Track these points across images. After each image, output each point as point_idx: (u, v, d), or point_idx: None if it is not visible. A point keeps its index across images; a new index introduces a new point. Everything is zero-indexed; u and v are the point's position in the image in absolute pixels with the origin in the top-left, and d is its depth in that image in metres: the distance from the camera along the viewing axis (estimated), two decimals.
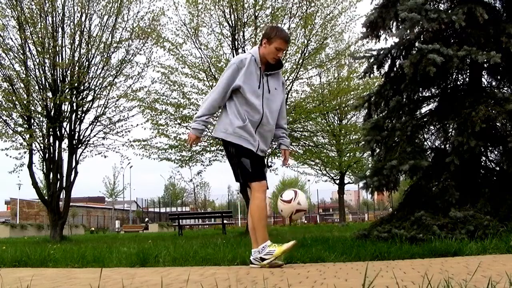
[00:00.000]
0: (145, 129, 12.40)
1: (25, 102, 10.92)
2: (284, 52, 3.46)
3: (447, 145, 5.61)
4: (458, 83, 5.95)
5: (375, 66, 5.87)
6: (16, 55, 11.19)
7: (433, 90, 5.99)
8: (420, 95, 5.95)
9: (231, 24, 11.61)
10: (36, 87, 11.26)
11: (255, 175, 3.34)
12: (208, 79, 12.05)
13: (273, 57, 3.40)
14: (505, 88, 5.76)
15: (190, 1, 11.71)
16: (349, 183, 22.92)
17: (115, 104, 12.17)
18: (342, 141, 19.07)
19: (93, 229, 35.57)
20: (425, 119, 5.77)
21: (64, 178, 11.68)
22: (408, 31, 5.45)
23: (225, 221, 16.28)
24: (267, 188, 3.40)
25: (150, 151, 12.61)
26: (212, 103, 3.39)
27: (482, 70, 5.68)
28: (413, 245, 4.07)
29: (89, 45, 11.48)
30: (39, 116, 11.45)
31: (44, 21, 11.12)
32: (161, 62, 12.35)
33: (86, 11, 11.51)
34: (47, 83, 11.38)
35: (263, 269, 3.22)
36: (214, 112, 3.45)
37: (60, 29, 11.38)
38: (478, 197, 4.93)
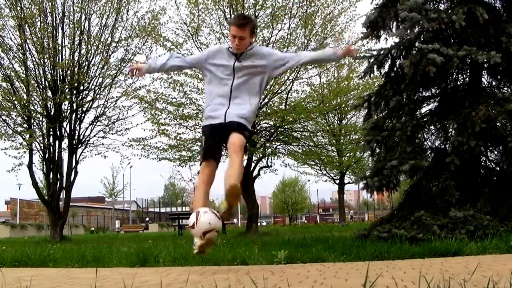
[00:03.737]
0: (144, 130, 12.40)
1: (24, 102, 10.92)
2: (243, 39, 3.33)
3: (447, 145, 5.61)
4: (458, 83, 5.95)
5: (375, 66, 5.87)
6: (16, 55, 11.19)
7: (433, 90, 5.99)
8: (420, 95, 5.96)
9: None
10: (36, 87, 11.26)
11: (203, 155, 3.43)
12: None
13: (233, 45, 3.38)
14: (505, 88, 5.77)
15: (191, 1, 11.70)
16: (349, 183, 22.94)
17: (115, 103, 12.18)
18: (342, 141, 19.06)
19: (93, 229, 35.58)
20: (425, 119, 5.77)
21: (64, 178, 11.68)
22: (408, 31, 5.45)
23: (225, 221, 16.27)
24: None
25: (149, 151, 12.59)
26: None
27: (482, 70, 5.68)
28: (413, 245, 4.07)
29: (89, 45, 11.48)
30: (39, 116, 11.45)
31: (43, 21, 11.11)
32: None
33: (86, 10, 11.51)
34: (47, 83, 11.37)
35: (263, 269, 3.22)
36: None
37: (59, 29, 11.38)
38: (478, 197, 4.93)
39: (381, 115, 5.93)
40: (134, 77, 3.46)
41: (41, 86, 11.34)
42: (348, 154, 20.15)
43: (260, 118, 11.75)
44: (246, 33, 3.32)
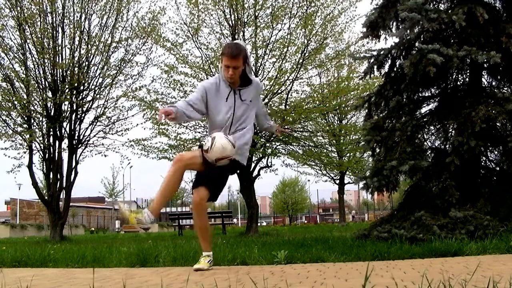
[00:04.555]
0: (144, 129, 12.40)
1: (24, 102, 10.92)
2: (237, 69, 3.30)
3: (447, 145, 5.62)
4: (458, 83, 5.95)
5: (375, 66, 5.87)
6: (16, 55, 11.20)
7: (433, 90, 5.99)
8: (420, 95, 5.96)
9: (231, 24, 11.61)
10: (36, 87, 11.26)
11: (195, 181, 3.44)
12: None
13: (226, 75, 3.33)
14: (505, 88, 5.77)
15: (191, 1, 11.71)
16: (349, 183, 22.95)
17: (115, 103, 12.18)
18: (342, 141, 19.07)
19: (93, 229, 35.55)
20: (425, 119, 5.77)
21: (64, 178, 11.68)
22: (408, 31, 5.45)
23: (225, 221, 16.27)
24: (204, 197, 3.38)
25: (149, 151, 12.59)
26: None
27: (482, 70, 5.68)
28: (413, 245, 4.07)
29: (89, 45, 11.48)
30: (39, 116, 11.46)
31: (43, 21, 11.12)
32: (163, 61, 12.31)
33: (86, 11, 11.52)
34: (47, 83, 11.38)
35: (263, 269, 3.22)
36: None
37: (59, 29, 11.39)
38: (478, 197, 4.93)
39: (381, 115, 5.93)
40: (165, 120, 3.24)
41: (41, 86, 11.35)
42: (348, 155, 20.15)
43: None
44: (239, 62, 3.28)
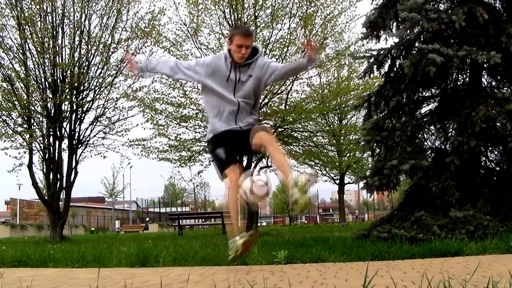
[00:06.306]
0: (144, 129, 12.40)
1: (25, 102, 10.92)
2: (248, 48, 3.39)
3: (447, 145, 5.62)
4: (458, 83, 5.95)
5: (375, 66, 5.87)
6: (16, 55, 11.19)
7: (433, 90, 5.99)
8: (420, 95, 5.96)
9: (231, 24, 11.61)
10: (36, 87, 11.26)
11: (225, 162, 3.41)
12: None
13: (238, 55, 3.38)
14: (505, 88, 5.77)
15: (190, 1, 11.71)
16: (349, 183, 22.96)
17: (115, 104, 12.17)
18: (342, 141, 19.06)
19: (93, 229, 35.55)
20: (425, 119, 5.77)
21: (64, 178, 11.67)
22: (408, 31, 5.45)
23: (225, 221, 16.25)
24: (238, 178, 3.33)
25: (149, 151, 12.59)
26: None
27: (482, 70, 5.68)
28: (413, 245, 4.07)
29: (89, 45, 11.48)
30: (39, 116, 11.45)
31: (43, 21, 11.12)
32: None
33: (86, 11, 11.52)
34: (47, 83, 11.37)
35: (263, 269, 3.22)
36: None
37: (59, 29, 11.38)
38: (478, 197, 4.93)
39: (381, 115, 5.93)
40: (128, 69, 3.44)
41: (41, 86, 11.34)
42: (348, 154, 20.15)
43: (260, 118, 11.76)
44: (251, 41, 3.38)
